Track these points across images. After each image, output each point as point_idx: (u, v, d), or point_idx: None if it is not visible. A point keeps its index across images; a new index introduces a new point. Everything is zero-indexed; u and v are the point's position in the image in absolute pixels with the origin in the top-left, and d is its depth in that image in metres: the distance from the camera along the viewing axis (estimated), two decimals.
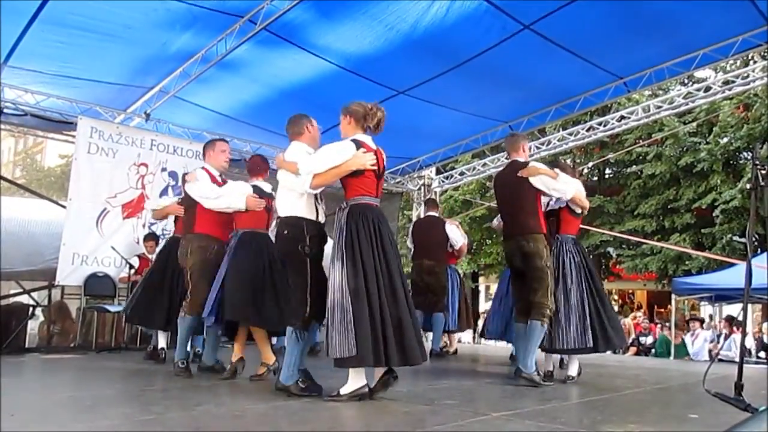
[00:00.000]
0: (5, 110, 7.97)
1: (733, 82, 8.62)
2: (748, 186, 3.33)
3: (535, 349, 4.96)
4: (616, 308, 23.37)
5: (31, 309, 7.90)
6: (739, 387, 2.97)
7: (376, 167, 4.13)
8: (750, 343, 11.60)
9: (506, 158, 5.53)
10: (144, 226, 8.48)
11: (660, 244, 16.35)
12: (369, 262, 3.88)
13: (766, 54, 9.94)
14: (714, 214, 15.89)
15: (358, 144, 4.12)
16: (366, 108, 4.26)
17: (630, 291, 23.68)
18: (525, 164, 5.18)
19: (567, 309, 5.16)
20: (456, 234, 7.91)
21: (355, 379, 3.91)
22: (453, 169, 12.24)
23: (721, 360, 9.87)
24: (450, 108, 9.10)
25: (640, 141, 16.86)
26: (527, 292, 5.05)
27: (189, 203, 5.35)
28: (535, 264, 4.99)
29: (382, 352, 3.76)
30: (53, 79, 7.84)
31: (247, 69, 7.87)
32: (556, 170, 5.18)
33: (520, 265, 5.10)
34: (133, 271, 7.53)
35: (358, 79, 8.12)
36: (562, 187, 5.06)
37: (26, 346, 7.66)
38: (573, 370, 5.30)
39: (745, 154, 16.00)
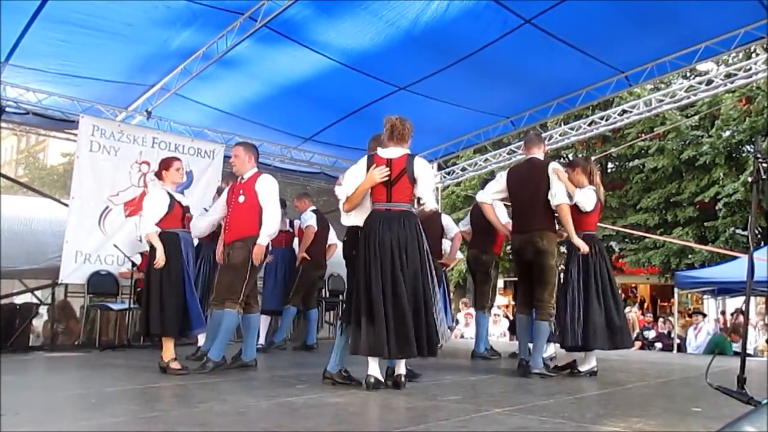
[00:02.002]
0: (7, 109, 7.98)
1: (735, 75, 8.58)
2: (750, 179, 3.33)
3: (543, 347, 5.19)
4: None
5: (35, 307, 7.92)
6: (741, 380, 2.97)
7: (386, 177, 4.40)
8: (754, 336, 11.58)
9: (524, 154, 5.70)
10: None
11: (663, 238, 16.33)
12: (367, 265, 4.29)
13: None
14: (717, 208, 15.88)
15: (371, 159, 4.49)
16: (384, 122, 4.57)
17: (633, 285, 23.66)
18: (546, 162, 5.31)
19: (575, 306, 5.25)
20: (449, 222, 7.93)
21: (369, 367, 4.26)
22: (455, 164, 12.23)
23: (736, 353, 9.85)
24: (451, 103, 9.09)
25: (642, 135, 16.84)
26: (533, 288, 5.21)
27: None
28: (547, 261, 5.13)
29: (358, 344, 4.21)
30: (54, 78, 7.85)
31: (248, 66, 7.87)
32: (559, 175, 5.22)
33: (532, 259, 5.19)
34: (135, 268, 7.55)
35: (359, 75, 8.12)
36: (556, 192, 5.16)
37: (30, 344, 7.69)
38: (585, 366, 5.33)
39: (747, 147, 15.94)
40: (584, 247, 5.20)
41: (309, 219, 7.50)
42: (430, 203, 4.59)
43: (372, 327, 4.17)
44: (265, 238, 5.26)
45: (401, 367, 4.37)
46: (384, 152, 4.49)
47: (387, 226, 4.33)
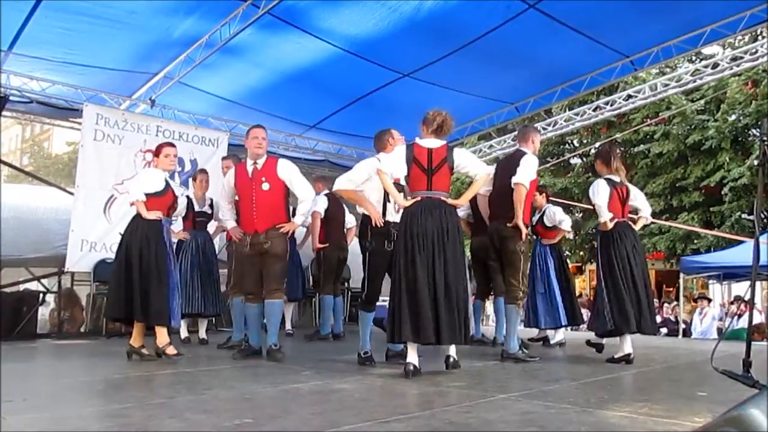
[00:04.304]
0: (11, 98, 7.99)
1: (741, 58, 8.51)
2: (756, 162, 3.32)
3: (515, 331, 5.33)
4: None
5: (41, 295, 7.95)
6: (747, 364, 2.97)
7: (420, 164, 4.50)
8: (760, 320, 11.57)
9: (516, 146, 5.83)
10: None
11: (668, 223, 16.29)
12: (409, 253, 4.35)
13: None
14: (722, 192, 15.80)
15: (411, 148, 4.59)
16: (428, 115, 4.66)
17: None
18: (522, 153, 5.47)
19: (604, 293, 5.32)
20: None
21: (408, 356, 4.33)
22: None
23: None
24: (455, 90, 9.04)
25: (648, 120, 16.74)
26: (499, 274, 5.57)
27: None
28: (511, 246, 5.30)
29: (401, 329, 4.26)
30: (58, 66, 7.85)
31: (250, 53, 7.84)
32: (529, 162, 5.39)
33: (498, 246, 5.43)
34: None
35: (363, 62, 8.09)
36: (519, 173, 5.30)
37: (37, 331, 7.73)
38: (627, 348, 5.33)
39: (753, 130, 15.84)
40: (525, 230, 5.30)
41: (315, 204, 7.31)
42: (483, 170, 4.70)
43: (414, 314, 4.24)
44: (300, 217, 5.43)
45: (451, 351, 4.49)
46: (424, 142, 4.59)
47: (429, 214, 4.41)
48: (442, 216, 4.43)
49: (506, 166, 5.51)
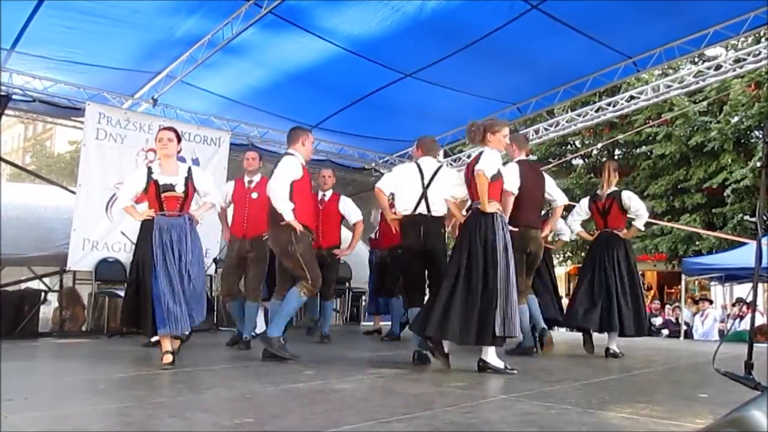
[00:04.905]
0: (13, 96, 8.00)
1: (744, 59, 8.50)
2: (758, 164, 3.31)
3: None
4: None
5: (43, 294, 7.96)
6: (749, 366, 2.96)
7: (467, 179, 4.83)
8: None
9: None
10: None
11: (670, 225, 16.30)
12: (454, 258, 4.67)
13: None
14: (725, 194, 15.80)
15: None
16: None
17: (640, 272, 23.63)
18: (540, 166, 6.18)
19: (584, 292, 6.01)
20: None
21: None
22: (461, 152, 12.18)
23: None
24: (457, 90, 9.04)
25: (650, 121, 16.74)
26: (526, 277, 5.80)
27: None
28: (542, 254, 5.87)
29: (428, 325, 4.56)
30: (60, 65, 7.85)
31: (253, 53, 7.84)
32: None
33: (535, 252, 5.75)
34: None
35: (365, 62, 8.08)
36: (560, 195, 6.04)
37: (39, 330, 7.74)
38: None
39: (756, 132, 15.85)
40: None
41: (358, 212, 7.10)
42: (479, 168, 4.60)
43: (425, 309, 4.68)
44: None
45: (484, 353, 4.61)
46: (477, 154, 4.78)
47: (466, 223, 4.72)
48: (473, 223, 4.64)
49: (534, 176, 5.77)
